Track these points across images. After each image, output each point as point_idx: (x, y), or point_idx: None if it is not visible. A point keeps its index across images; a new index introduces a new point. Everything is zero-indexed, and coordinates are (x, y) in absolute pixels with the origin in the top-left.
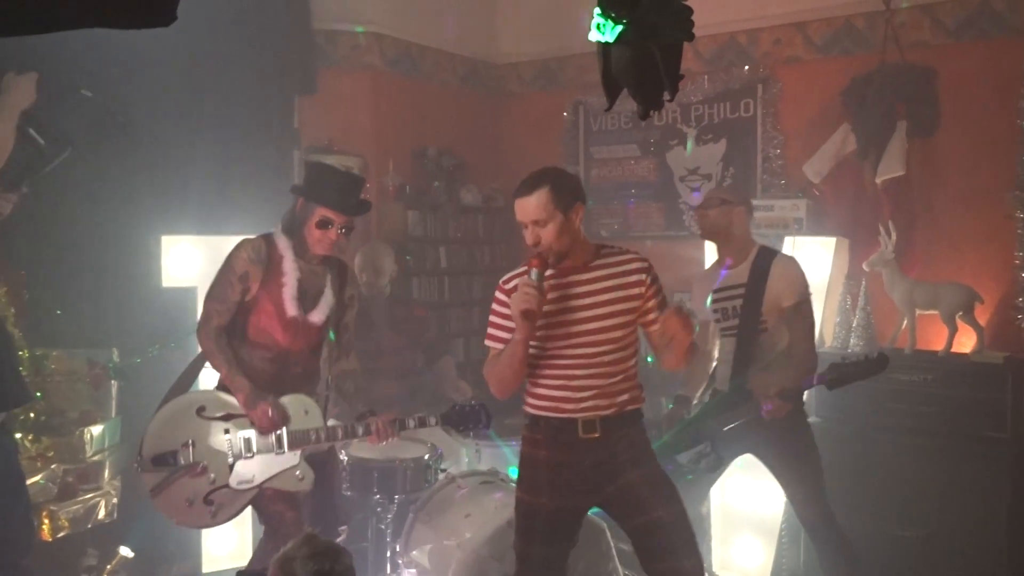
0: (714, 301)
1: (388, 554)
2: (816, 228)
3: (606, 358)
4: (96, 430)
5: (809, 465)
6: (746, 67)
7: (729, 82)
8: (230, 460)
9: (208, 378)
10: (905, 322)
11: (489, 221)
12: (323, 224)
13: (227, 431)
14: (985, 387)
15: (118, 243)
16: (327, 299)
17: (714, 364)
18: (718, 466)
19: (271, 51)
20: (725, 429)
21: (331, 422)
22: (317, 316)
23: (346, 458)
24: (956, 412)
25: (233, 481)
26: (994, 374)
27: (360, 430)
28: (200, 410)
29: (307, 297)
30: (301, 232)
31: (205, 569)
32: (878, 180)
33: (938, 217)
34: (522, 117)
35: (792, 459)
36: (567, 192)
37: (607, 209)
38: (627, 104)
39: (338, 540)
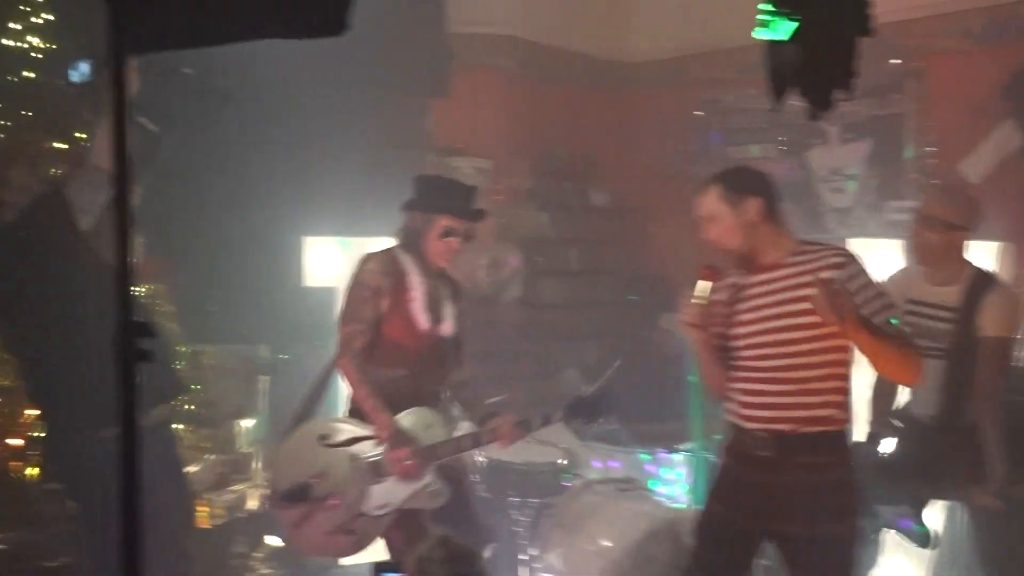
0: (909, 313)
1: (519, 556)
2: (976, 232)
3: (781, 362)
4: (247, 423)
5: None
6: (894, 60)
7: (876, 76)
8: (362, 487)
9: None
10: None
11: (619, 222)
12: (447, 233)
13: (354, 458)
14: None
15: (263, 243)
16: (448, 310)
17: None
18: (926, 543)
19: (405, 51)
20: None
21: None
22: (447, 328)
23: (484, 460)
24: None
25: (370, 508)
26: None
27: (486, 438)
28: (322, 438)
29: (433, 311)
30: (421, 246)
31: (342, 560)
32: None
33: None
34: (653, 116)
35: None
36: (737, 187)
37: None
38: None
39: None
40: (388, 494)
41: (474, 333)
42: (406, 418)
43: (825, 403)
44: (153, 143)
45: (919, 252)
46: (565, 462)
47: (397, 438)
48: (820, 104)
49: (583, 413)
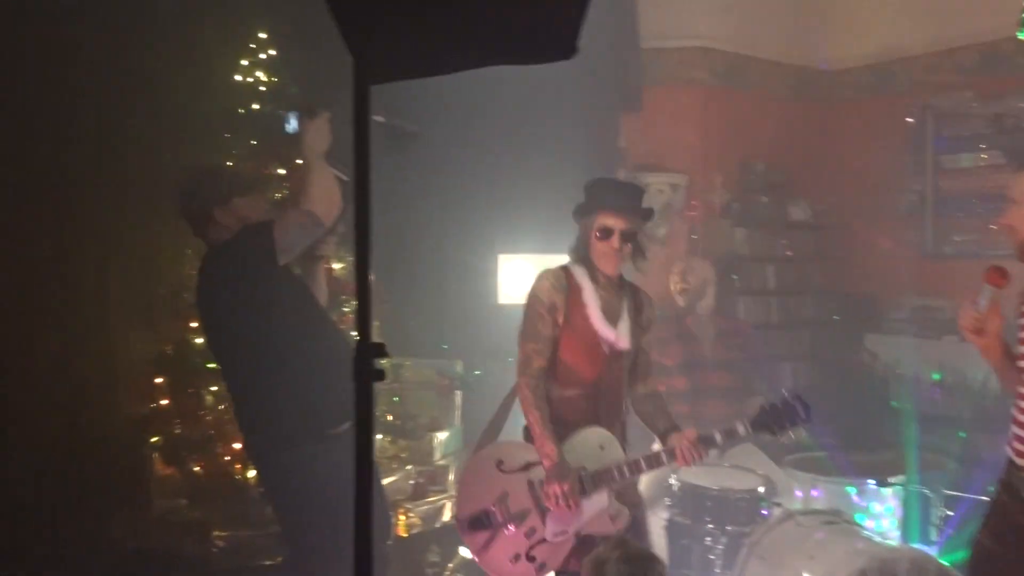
0: None
1: None
2: None
3: None
4: (443, 436)
5: None
6: None
7: None
8: (540, 513)
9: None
10: None
11: (820, 237)
12: (604, 233)
13: (531, 484)
14: None
15: (460, 260)
16: (625, 323)
17: None
18: None
19: (597, 68)
20: None
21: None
22: (623, 341)
23: (676, 483)
24: None
25: (549, 534)
26: None
27: (665, 458)
28: (499, 464)
29: (610, 322)
30: (588, 254)
31: None
32: None
33: None
34: (856, 126)
35: None
36: None
37: (958, 224)
38: (986, 105)
39: None
40: (564, 520)
41: (666, 346)
42: (578, 437)
43: None
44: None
45: None
46: (763, 489)
47: (558, 470)
48: None
49: (770, 423)
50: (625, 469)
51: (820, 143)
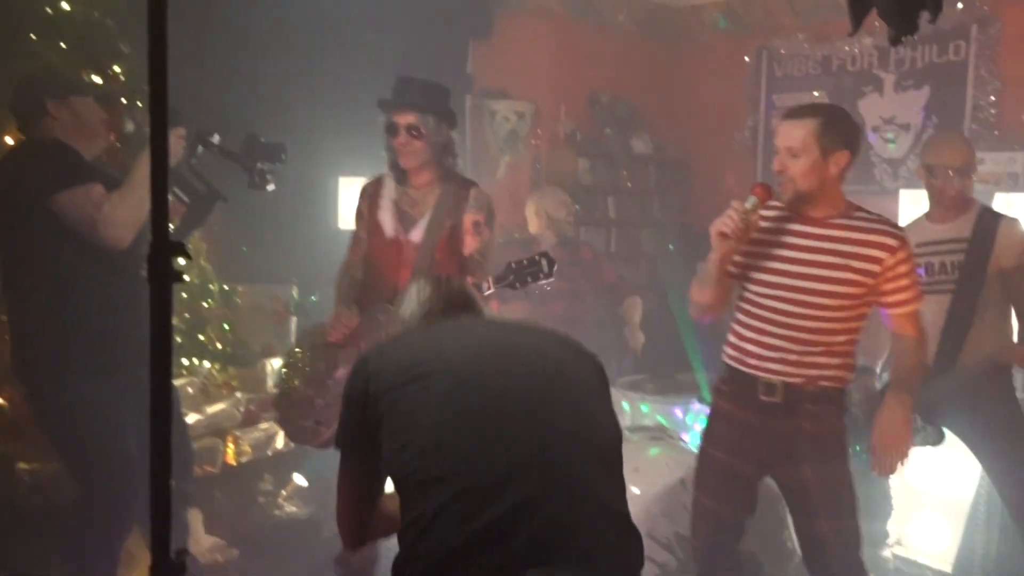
0: (919, 256)
1: None
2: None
3: (806, 323)
4: (277, 363)
5: (1018, 440)
6: (959, 4)
7: (939, 22)
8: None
9: None
10: None
11: (661, 172)
12: (389, 130)
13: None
14: None
15: (298, 183)
16: (427, 220)
17: None
18: (940, 439)
19: None
20: (934, 400)
21: None
22: (416, 235)
23: None
24: None
25: (330, 396)
26: None
27: None
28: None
29: (406, 219)
30: (391, 154)
31: None
32: None
33: None
34: (701, 64)
35: (998, 432)
36: (836, 134)
37: None
38: (816, 48)
39: None
40: (339, 384)
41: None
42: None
43: (840, 364)
44: (191, 211)
45: (933, 198)
46: None
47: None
48: (904, 26)
49: (513, 278)
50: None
51: (666, 79)
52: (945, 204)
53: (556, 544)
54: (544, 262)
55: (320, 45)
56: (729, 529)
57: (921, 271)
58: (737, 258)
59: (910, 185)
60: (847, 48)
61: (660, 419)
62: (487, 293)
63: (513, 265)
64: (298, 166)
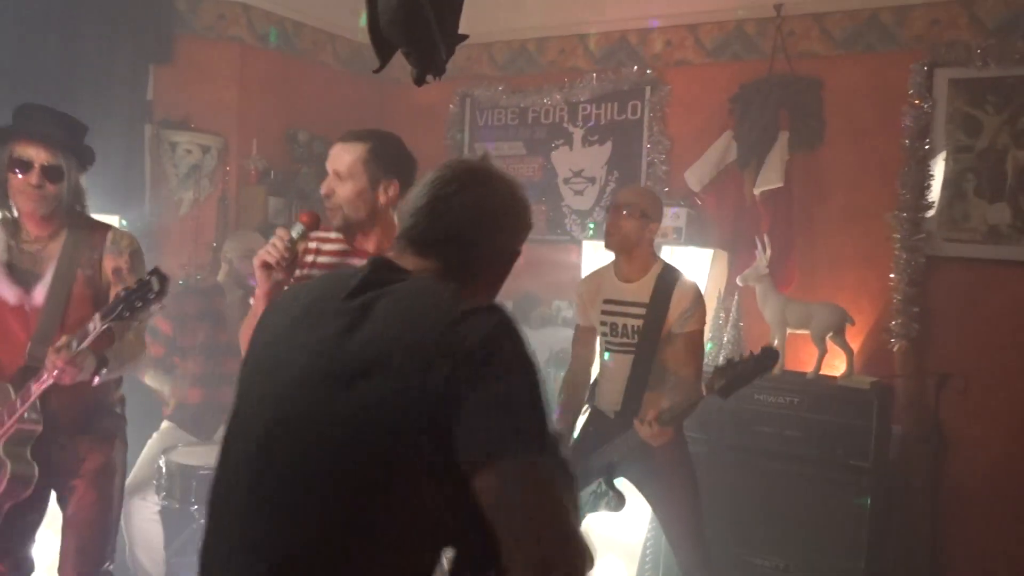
0: (604, 312)
1: None
2: (695, 239)
3: None
4: None
5: (691, 502)
6: (635, 67)
7: (618, 82)
8: None
9: None
10: (776, 340)
11: None
12: (21, 165)
13: None
14: (851, 413)
15: None
16: (50, 276)
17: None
18: (621, 504)
19: (122, 13)
20: (615, 460)
21: None
22: (39, 295)
23: (165, 463)
24: (822, 437)
25: None
26: (860, 400)
27: (44, 376)
28: None
29: (26, 279)
30: (5, 196)
31: None
32: (756, 191)
33: (818, 234)
34: (406, 107)
35: (675, 494)
36: (386, 161)
37: None
38: (513, 99)
39: None
40: None
41: (187, 323)
42: None
43: None
44: None
45: (616, 240)
46: None
47: None
48: (426, 66)
49: (123, 309)
50: (5, 413)
51: (370, 120)
52: (630, 255)
53: None
54: (154, 280)
55: None
56: None
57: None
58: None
59: (596, 236)
60: (541, 100)
61: None
62: (93, 333)
63: (121, 294)
64: None
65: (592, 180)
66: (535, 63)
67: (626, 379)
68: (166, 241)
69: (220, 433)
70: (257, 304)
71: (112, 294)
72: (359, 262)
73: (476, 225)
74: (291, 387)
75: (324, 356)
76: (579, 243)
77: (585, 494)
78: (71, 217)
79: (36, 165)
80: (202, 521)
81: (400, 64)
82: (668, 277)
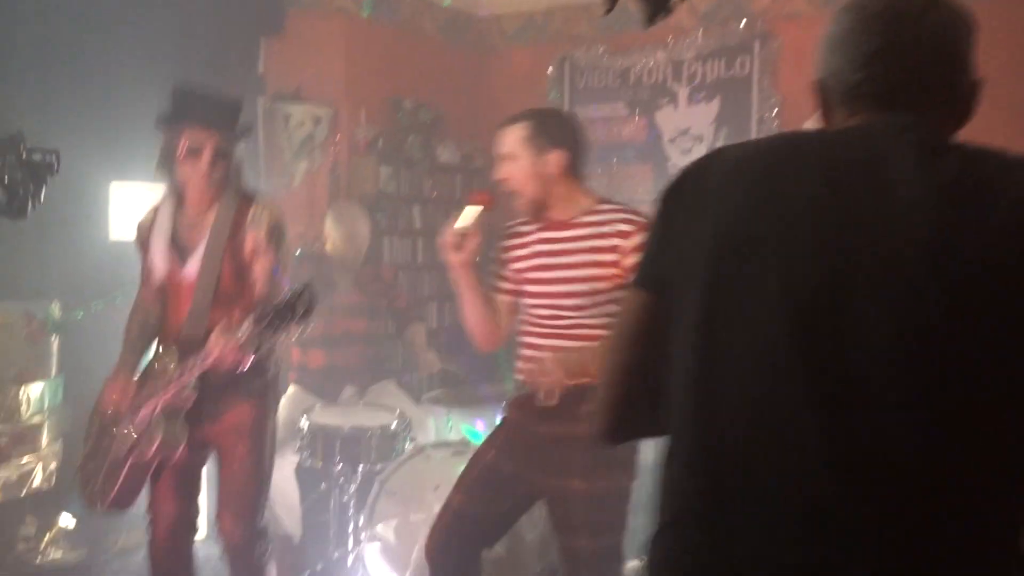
0: None
1: (351, 528)
2: None
3: (571, 323)
4: (34, 389)
5: None
6: (743, 22)
7: (725, 38)
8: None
9: None
10: None
11: (467, 180)
12: (193, 152)
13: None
14: None
15: (63, 188)
16: (203, 248)
17: None
18: None
19: None
20: None
21: None
22: (191, 268)
23: (306, 424)
24: None
25: (110, 458)
26: None
27: (203, 357)
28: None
29: (181, 250)
30: (175, 176)
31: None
32: None
33: None
34: (504, 72)
35: None
36: (547, 134)
37: (590, 171)
38: (614, 60)
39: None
40: (118, 443)
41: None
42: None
43: None
44: None
45: None
46: (397, 425)
47: (110, 383)
48: (657, 6)
49: (270, 323)
50: (168, 382)
51: (469, 87)
52: None
53: None
54: (306, 296)
55: (89, 37)
56: (468, 532)
57: None
58: (505, 276)
59: None
60: (644, 60)
61: (466, 432)
62: (245, 336)
63: (269, 310)
64: (64, 170)
65: (700, 139)
66: (635, 20)
67: None
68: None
69: (346, 394)
70: (457, 287)
71: (254, 270)
72: (550, 235)
73: (952, 54)
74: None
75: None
76: None
77: None
78: (227, 189)
79: (205, 152)
80: (341, 480)
81: (499, 30)
82: None
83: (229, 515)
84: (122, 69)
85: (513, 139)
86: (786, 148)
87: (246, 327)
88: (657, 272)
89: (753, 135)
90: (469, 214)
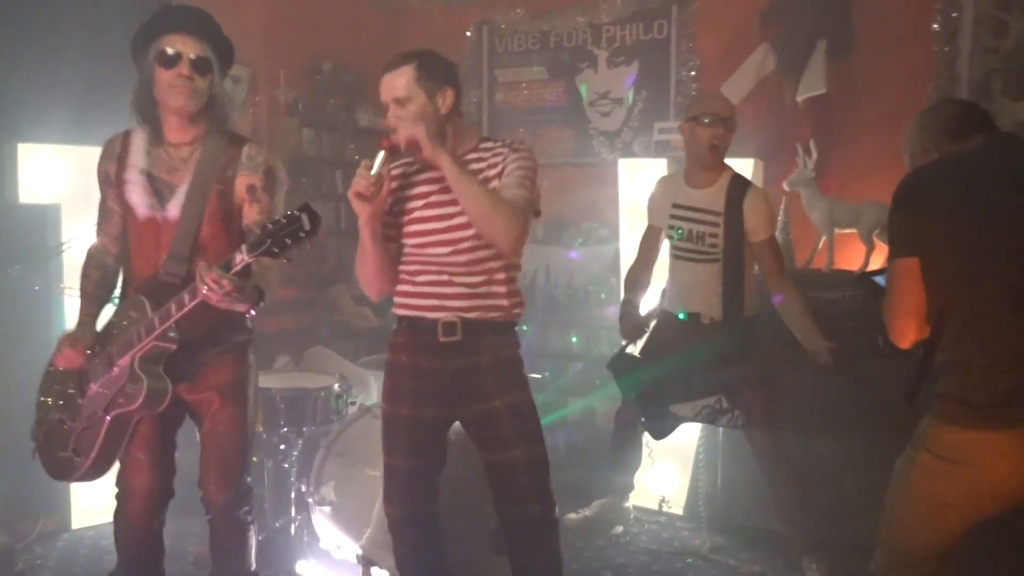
0: (674, 217)
1: (292, 495)
2: (732, 150)
3: (462, 259)
4: None
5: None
6: None
7: (643, 2)
8: (79, 401)
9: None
10: (822, 241)
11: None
12: (169, 60)
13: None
14: None
15: None
16: (185, 189)
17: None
18: (740, 423)
19: None
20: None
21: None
22: (173, 209)
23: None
24: (875, 326)
25: (83, 420)
26: None
27: (186, 297)
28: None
29: (162, 190)
30: (151, 103)
31: (75, 524)
32: (799, 98)
33: (854, 138)
34: (423, 36)
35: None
36: (436, 73)
37: (512, 134)
38: (535, 24)
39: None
40: (92, 402)
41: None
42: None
43: (506, 294)
44: None
45: (722, 152)
46: (339, 387)
47: (66, 337)
48: None
49: (271, 244)
50: (143, 330)
51: (390, 50)
52: (702, 163)
53: None
54: (304, 217)
55: None
56: (425, 488)
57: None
58: (388, 220)
59: (626, 155)
60: (563, 24)
61: None
62: (239, 265)
63: (269, 226)
64: None
65: (619, 101)
66: None
67: (720, 283)
68: None
69: (280, 363)
70: (362, 234)
71: (246, 213)
72: (434, 174)
73: None
74: None
75: None
76: (612, 163)
77: (697, 406)
78: (211, 125)
79: (185, 57)
80: (282, 447)
81: None
82: (739, 184)
83: (214, 479)
84: (29, 28)
85: (404, 81)
86: (971, 162)
87: (239, 257)
88: (914, 242)
89: (671, 97)
90: (381, 160)
